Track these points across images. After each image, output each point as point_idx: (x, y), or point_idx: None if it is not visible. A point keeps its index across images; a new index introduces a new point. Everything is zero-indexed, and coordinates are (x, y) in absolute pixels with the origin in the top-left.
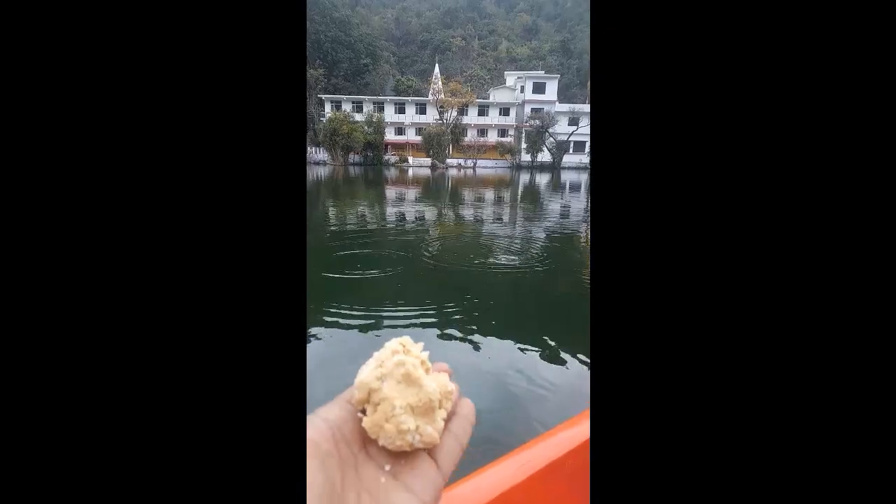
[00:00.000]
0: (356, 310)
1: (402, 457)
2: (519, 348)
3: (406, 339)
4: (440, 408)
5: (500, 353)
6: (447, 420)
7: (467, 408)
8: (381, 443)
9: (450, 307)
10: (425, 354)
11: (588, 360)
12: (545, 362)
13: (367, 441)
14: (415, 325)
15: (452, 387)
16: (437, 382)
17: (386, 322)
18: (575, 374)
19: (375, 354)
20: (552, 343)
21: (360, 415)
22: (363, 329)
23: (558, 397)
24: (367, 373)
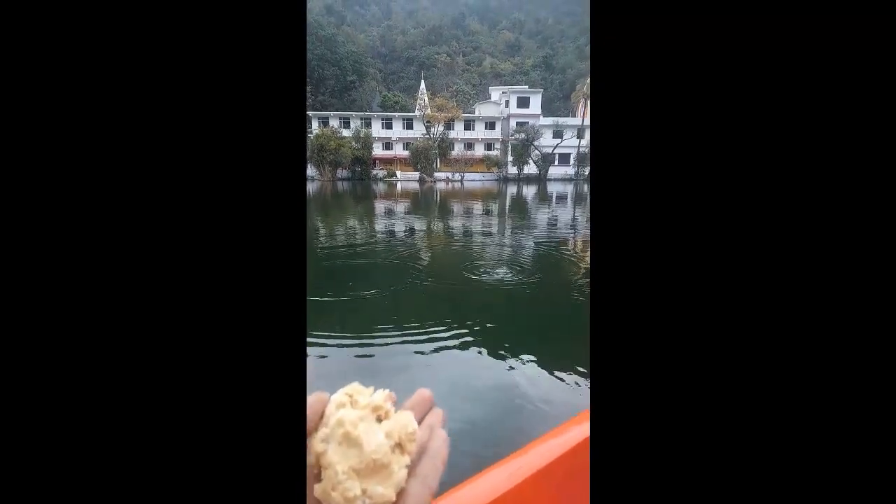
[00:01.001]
0: (346, 334)
1: None
2: (513, 358)
3: (354, 388)
4: (402, 454)
5: (494, 363)
6: (413, 465)
7: (439, 442)
8: None
9: (442, 323)
10: (380, 396)
11: (574, 369)
12: (541, 371)
13: None
14: (407, 341)
15: (414, 427)
16: (397, 424)
17: (378, 342)
18: (570, 381)
19: (328, 406)
20: (545, 351)
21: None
22: (358, 354)
23: (553, 403)
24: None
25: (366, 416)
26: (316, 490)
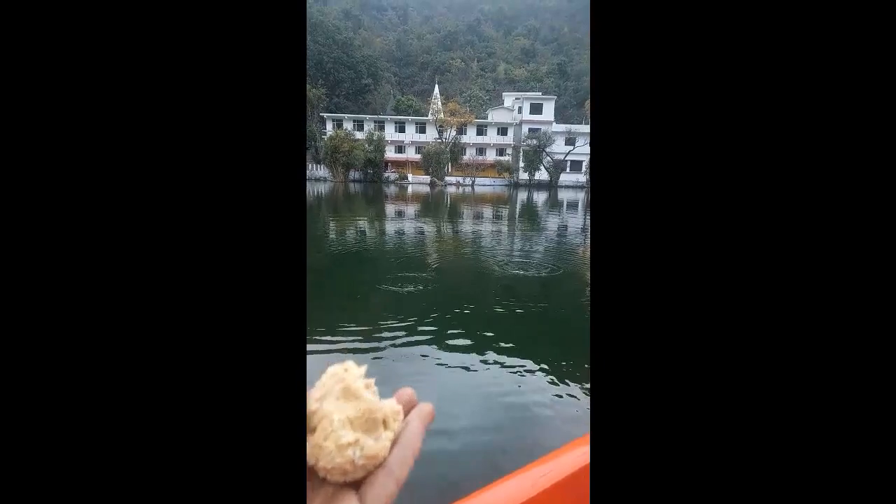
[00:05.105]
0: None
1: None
2: (520, 368)
3: (349, 364)
4: (386, 428)
5: (500, 373)
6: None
7: (412, 434)
8: (320, 464)
9: (452, 330)
10: (370, 380)
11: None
12: (552, 384)
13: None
14: (412, 342)
15: (399, 408)
16: (386, 403)
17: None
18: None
19: (317, 383)
20: (553, 364)
21: None
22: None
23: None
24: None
25: (358, 378)
26: (308, 447)
